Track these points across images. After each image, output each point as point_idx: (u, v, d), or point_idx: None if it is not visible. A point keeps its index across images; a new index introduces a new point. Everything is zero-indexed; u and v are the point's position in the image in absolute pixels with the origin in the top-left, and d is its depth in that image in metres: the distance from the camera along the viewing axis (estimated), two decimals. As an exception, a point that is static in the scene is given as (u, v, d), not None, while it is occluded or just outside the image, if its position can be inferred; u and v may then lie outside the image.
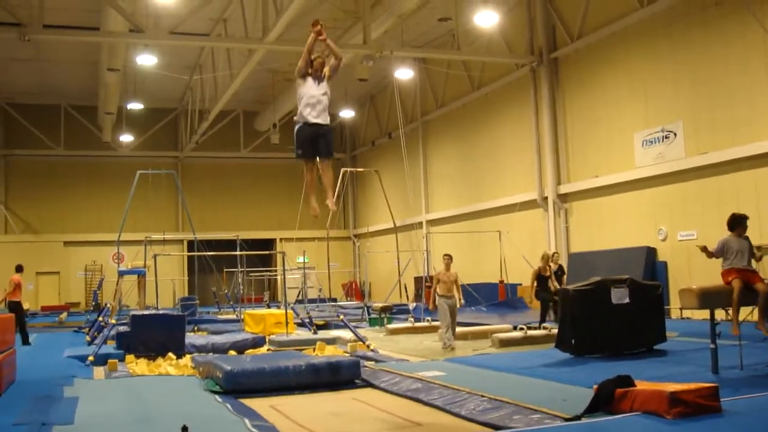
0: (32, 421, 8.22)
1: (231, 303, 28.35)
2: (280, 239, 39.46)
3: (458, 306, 15.43)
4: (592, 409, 7.76)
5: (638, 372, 9.25)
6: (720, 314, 10.67)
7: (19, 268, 19.79)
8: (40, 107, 37.87)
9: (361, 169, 35.88)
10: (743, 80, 18.11)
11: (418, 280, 29.81)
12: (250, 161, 41.63)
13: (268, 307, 26.91)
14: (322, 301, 29.16)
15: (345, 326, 17.42)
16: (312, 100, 9.03)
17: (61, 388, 10.94)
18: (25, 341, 18.36)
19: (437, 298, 15.31)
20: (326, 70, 9.29)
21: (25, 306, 18.91)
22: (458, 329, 17.99)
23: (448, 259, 15.76)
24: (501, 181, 27.85)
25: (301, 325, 19.25)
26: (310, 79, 9.14)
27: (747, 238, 10.88)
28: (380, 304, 23.20)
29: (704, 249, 10.83)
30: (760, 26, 17.41)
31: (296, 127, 9.14)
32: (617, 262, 18.16)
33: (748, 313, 11.49)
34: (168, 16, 24.54)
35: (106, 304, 21.55)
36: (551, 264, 17.31)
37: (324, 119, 9.08)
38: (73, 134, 38.36)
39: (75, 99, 37.58)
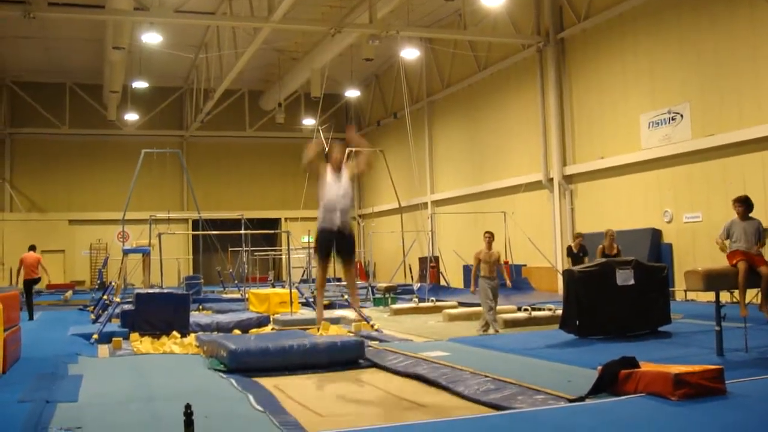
0: (36, 399, 8.24)
1: (235, 282, 28.40)
2: (285, 218, 39.51)
3: (507, 284, 15.13)
4: (597, 390, 7.76)
5: (643, 353, 9.24)
6: (725, 296, 10.64)
7: (31, 248, 20.40)
8: (45, 85, 37.84)
9: (366, 149, 35.80)
10: (751, 62, 18.00)
11: (422, 261, 29.78)
12: (255, 140, 41.59)
13: (273, 286, 26.95)
14: (327, 280, 29.20)
15: (349, 306, 17.44)
16: (330, 204, 8.91)
17: (65, 365, 10.97)
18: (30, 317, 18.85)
19: (479, 279, 14.44)
20: (350, 167, 9.09)
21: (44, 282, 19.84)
22: (462, 309, 18.07)
23: (490, 236, 14.82)
24: (506, 162, 27.79)
25: (306, 304, 19.27)
26: (329, 175, 8.96)
27: (754, 220, 10.82)
28: (385, 284, 23.25)
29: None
30: (767, 6, 17.30)
31: (317, 230, 9.06)
32: (622, 244, 18.11)
33: (753, 296, 11.48)
34: (173, -6, 24.47)
35: (110, 283, 21.58)
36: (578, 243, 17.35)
37: (345, 225, 8.94)
38: (79, 113, 38.35)
39: (80, 77, 37.52)
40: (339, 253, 9.02)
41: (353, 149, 9.25)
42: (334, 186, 8.91)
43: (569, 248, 18.03)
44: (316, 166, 8.98)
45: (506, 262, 14.85)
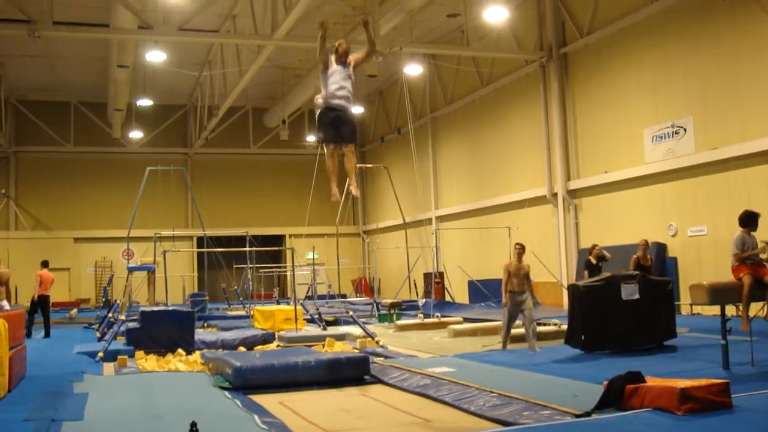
0: (42, 417, 8.25)
1: (240, 299, 28.39)
2: (290, 235, 39.47)
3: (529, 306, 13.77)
4: (603, 405, 7.75)
5: (648, 368, 9.23)
6: (731, 310, 10.63)
7: (45, 264, 20.57)
8: (50, 104, 37.96)
9: (370, 165, 35.81)
10: (753, 75, 18.02)
11: (427, 276, 29.79)
12: (259, 157, 41.65)
13: (278, 303, 26.95)
14: (332, 297, 29.18)
15: (354, 322, 17.44)
16: (335, 85, 9.01)
17: (70, 383, 10.98)
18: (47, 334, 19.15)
19: (508, 294, 13.82)
20: (352, 58, 9.26)
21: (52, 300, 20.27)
22: (467, 325, 18.02)
23: (520, 248, 14.15)
24: (510, 177, 27.80)
25: (311, 321, 19.27)
26: (334, 64, 9.12)
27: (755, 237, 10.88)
28: (390, 300, 23.21)
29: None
30: (770, 21, 17.33)
31: (318, 111, 9.12)
32: (627, 258, 18.10)
33: (759, 309, 11.45)
34: (177, 12, 24.56)
35: (116, 301, 21.62)
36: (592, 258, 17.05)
37: (347, 103, 9.05)
38: (83, 131, 38.45)
39: (85, 96, 37.64)
40: (342, 137, 9.07)
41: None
42: (339, 70, 9.02)
43: (587, 261, 17.69)
44: (325, 54, 9.11)
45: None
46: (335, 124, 9.00)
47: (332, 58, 9.20)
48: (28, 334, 18.47)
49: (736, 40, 18.44)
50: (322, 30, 9.09)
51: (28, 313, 19.00)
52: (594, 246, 17.39)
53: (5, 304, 14.62)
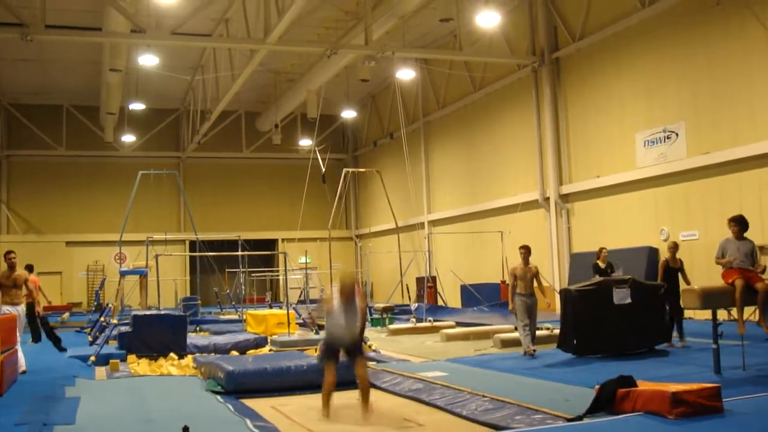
0: (33, 421, 8.22)
1: (233, 303, 28.35)
2: (282, 239, 39.48)
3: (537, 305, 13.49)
4: (594, 409, 7.76)
5: (640, 372, 9.26)
6: (722, 314, 10.66)
7: (29, 268, 19.53)
8: (43, 107, 37.87)
9: (362, 170, 35.91)
10: (745, 80, 18.10)
11: (419, 281, 29.79)
12: (252, 161, 41.63)
13: (270, 307, 26.91)
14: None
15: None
16: (337, 327, 8.84)
17: (62, 388, 10.95)
18: (37, 339, 18.25)
19: (516, 296, 13.43)
20: (361, 302, 9.05)
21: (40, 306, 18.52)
22: (459, 330, 18.03)
23: (525, 251, 13.81)
24: (503, 182, 27.84)
25: (303, 325, 19.25)
26: (336, 306, 8.90)
27: (748, 241, 10.86)
28: (382, 305, 23.20)
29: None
30: (761, 25, 17.41)
31: (324, 340, 9.03)
32: (619, 263, 18.11)
33: (750, 313, 11.48)
34: (170, 16, 24.55)
35: (108, 305, 21.57)
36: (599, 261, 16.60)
37: (352, 338, 8.86)
38: (75, 134, 38.36)
39: (77, 99, 37.57)
40: (349, 354, 8.93)
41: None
42: (342, 315, 8.83)
43: (596, 265, 17.33)
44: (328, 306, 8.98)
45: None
46: (338, 350, 8.93)
47: (336, 293, 9.02)
48: (37, 339, 18.24)
49: (728, 46, 18.52)
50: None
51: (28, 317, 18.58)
52: (601, 249, 17.02)
53: (18, 309, 13.24)
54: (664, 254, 20.26)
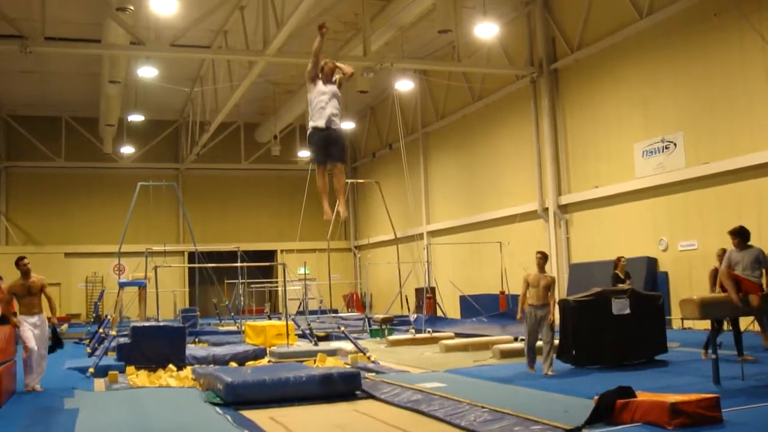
0: (32, 434, 8.22)
1: (232, 314, 28.33)
2: (281, 251, 39.44)
3: (549, 320, 12.21)
4: (593, 420, 7.76)
5: (639, 383, 9.25)
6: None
7: None
8: (42, 119, 37.89)
9: (362, 181, 35.92)
10: (743, 90, 18.14)
11: (419, 292, 29.79)
12: (250, 173, 41.66)
13: (269, 318, 26.91)
14: (323, 312, 29.18)
15: (346, 338, 17.42)
16: (321, 104, 9.04)
17: (61, 399, 10.95)
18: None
19: (527, 307, 12.40)
20: (337, 77, 9.30)
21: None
22: (458, 341, 17.99)
23: (542, 257, 12.57)
24: (501, 192, 27.86)
25: (302, 336, 19.23)
26: (320, 83, 9.16)
27: (752, 249, 10.82)
28: (381, 316, 23.19)
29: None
30: (758, 35, 17.45)
31: (308, 132, 9.16)
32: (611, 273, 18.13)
33: (749, 323, 11.49)
34: (169, 28, 24.59)
35: (106, 316, 21.55)
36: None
37: (334, 123, 9.06)
38: (74, 146, 38.38)
39: (76, 111, 37.61)
40: (331, 156, 9.10)
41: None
42: (324, 89, 9.05)
43: (615, 275, 16.53)
44: (317, 67, 9.13)
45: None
46: (323, 144, 9.03)
47: (320, 75, 9.25)
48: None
49: (725, 56, 18.57)
50: (321, 33, 9.09)
51: None
52: (619, 258, 16.84)
53: (35, 320, 12.14)
54: (663, 265, 20.38)
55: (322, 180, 9.23)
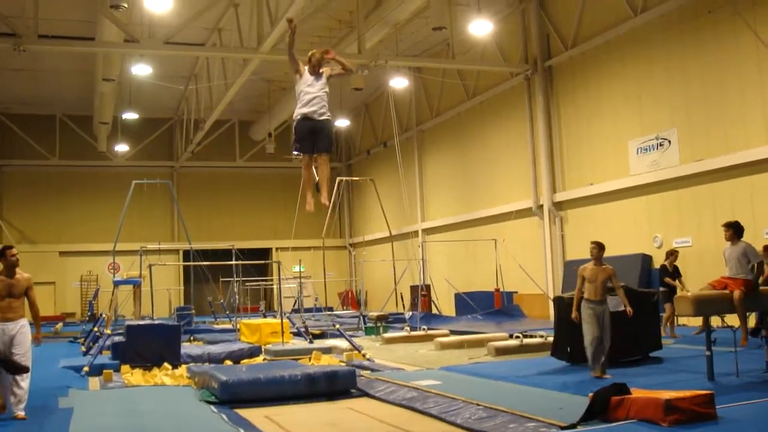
0: (27, 432, 8.20)
1: (227, 312, 28.30)
2: (276, 248, 39.43)
3: (627, 312, 11.29)
4: (588, 417, 7.77)
5: (634, 380, 9.27)
6: (716, 321, 10.68)
7: None
8: (35, 117, 37.80)
9: (356, 178, 35.88)
10: (737, 87, 18.16)
11: (414, 289, 29.74)
12: (245, 171, 41.62)
13: (264, 316, 26.86)
14: (318, 310, 29.11)
15: (341, 335, 17.42)
16: (308, 96, 9.03)
17: (56, 398, 10.93)
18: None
19: (582, 303, 11.33)
20: (326, 70, 9.28)
21: None
22: (453, 338, 18.00)
23: (597, 248, 11.51)
24: (496, 190, 27.87)
25: (297, 334, 19.22)
26: (306, 75, 9.15)
27: (740, 244, 10.88)
28: (376, 313, 23.18)
29: None
30: (752, 33, 17.47)
31: (294, 122, 9.16)
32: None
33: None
34: (163, 26, 24.56)
35: (101, 315, 21.49)
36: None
37: (321, 114, 9.05)
38: (69, 144, 38.31)
39: (70, 109, 37.54)
40: (317, 146, 9.10)
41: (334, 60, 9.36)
42: (311, 80, 9.04)
43: (664, 267, 16.72)
44: (295, 61, 9.13)
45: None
46: (310, 134, 9.02)
47: (305, 67, 9.23)
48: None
49: (720, 53, 18.59)
50: (290, 28, 9.12)
51: None
52: (673, 251, 16.73)
53: (8, 327, 9.51)
54: (658, 262, 20.38)
55: (308, 171, 9.22)
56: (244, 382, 10.39)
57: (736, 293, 10.40)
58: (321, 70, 9.17)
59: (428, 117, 32.87)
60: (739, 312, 10.40)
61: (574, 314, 11.31)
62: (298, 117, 9.04)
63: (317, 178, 9.37)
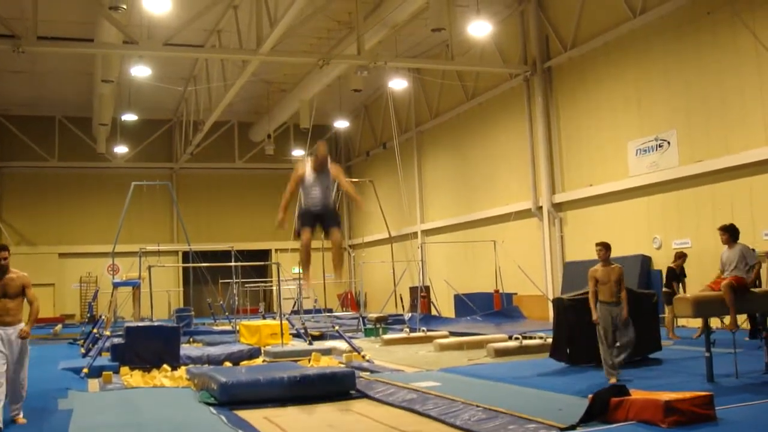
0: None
1: (226, 314, 28.29)
2: (276, 250, 39.39)
3: (623, 315, 11.05)
4: (588, 418, 7.77)
5: (633, 381, 9.26)
6: (715, 322, 10.68)
7: None
8: (35, 119, 37.78)
9: (356, 180, 35.84)
10: (736, 88, 18.16)
11: (413, 290, 29.75)
12: (245, 172, 41.60)
13: (264, 318, 26.87)
14: (318, 311, 29.11)
15: (340, 337, 17.42)
16: (313, 199, 9.08)
17: (55, 400, 10.92)
18: None
19: (598, 305, 11.18)
20: (334, 171, 9.26)
21: None
22: (452, 339, 17.98)
23: (603, 248, 11.46)
24: (496, 191, 27.86)
25: (297, 335, 19.23)
26: (308, 175, 9.14)
27: (738, 246, 10.87)
28: (375, 315, 23.19)
29: None
30: (751, 34, 17.48)
31: (299, 210, 9.18)
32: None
33: (743, 321, 11.51)
34: (162, 27, 24.55)
35: (100, 316, 21.47)
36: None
37: (325, 205, 9.08)
38: (68, 146, 38.30)
39: (69, 110, 37.52)
40: (324, 225, 9.13)
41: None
42: (314, 180, 9.03)
43: (672, 269, 16.74)
44: (295, 180, 9.18)
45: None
46: (315, 218, 9.09)
47: (307, 167, 9.24)
48: None
49: (719, 54, 18.59)
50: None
51: None
52: (681, 253, 16.85)
53: (8, 331, 9.18)
54: (658, 264, 20.39)
55: (306, 249, 9.23)
56: (243, 384, 10.38)
57: (725, 282, 10.40)
58: (327, 168, 9.18)
59: (427, 118, 32.87)
60: (726, 297, 10.29)
61: (594, 317, 11.10)
62: (304, 208, 9.11)
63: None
